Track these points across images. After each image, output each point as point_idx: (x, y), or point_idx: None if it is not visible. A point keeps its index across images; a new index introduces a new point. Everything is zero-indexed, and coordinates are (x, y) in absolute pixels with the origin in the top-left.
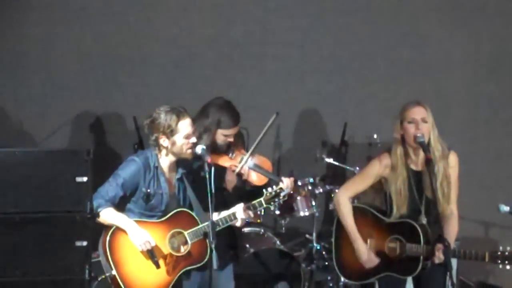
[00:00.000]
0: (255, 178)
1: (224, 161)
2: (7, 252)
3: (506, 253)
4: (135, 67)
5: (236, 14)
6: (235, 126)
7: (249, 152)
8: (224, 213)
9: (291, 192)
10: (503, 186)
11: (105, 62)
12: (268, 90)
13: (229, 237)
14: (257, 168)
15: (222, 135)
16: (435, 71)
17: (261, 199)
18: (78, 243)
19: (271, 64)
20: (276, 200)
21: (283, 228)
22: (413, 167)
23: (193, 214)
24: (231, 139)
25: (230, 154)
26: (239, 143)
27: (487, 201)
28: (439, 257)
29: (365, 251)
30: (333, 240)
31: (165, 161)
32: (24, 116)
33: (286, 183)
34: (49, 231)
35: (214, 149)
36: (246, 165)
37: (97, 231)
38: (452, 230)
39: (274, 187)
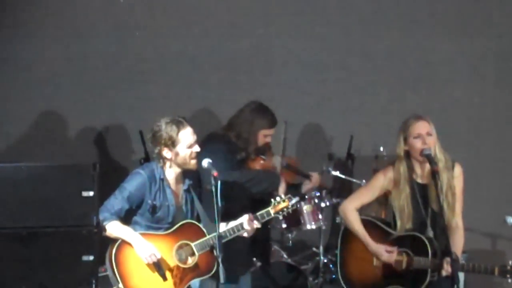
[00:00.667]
0: (287, 177)
1: (257, 164)
2: (14, 267)
3: None
4: (142, 80)
5: (240, 26)
6: (275, 126)
7: (282, 152)
8: (232, 224)
9: (317, 187)
10: (509, 198)
11: (111, 76)
12: (274, 103)
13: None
14: (289, 167)
15: (263, 136)
16: (441, 84)
17: (269, 208)
18: (84, 258)
19: (276, 77)
20: (284, 209)
21: (290, 242)
22: (418, 180)
23: (200, 225)
24: (269, 140)
25: (264, 157)
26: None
27: (494, 213)
28: (447, 270)
29: (382, 251)
30: (338, 253)
31: (171, 173)
32: (29, 131)
33: (315, 178)
34: (55, 246)
35: (257, 151)
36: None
37: (104, 246)
38: (458, 243)
39: (282, 196)
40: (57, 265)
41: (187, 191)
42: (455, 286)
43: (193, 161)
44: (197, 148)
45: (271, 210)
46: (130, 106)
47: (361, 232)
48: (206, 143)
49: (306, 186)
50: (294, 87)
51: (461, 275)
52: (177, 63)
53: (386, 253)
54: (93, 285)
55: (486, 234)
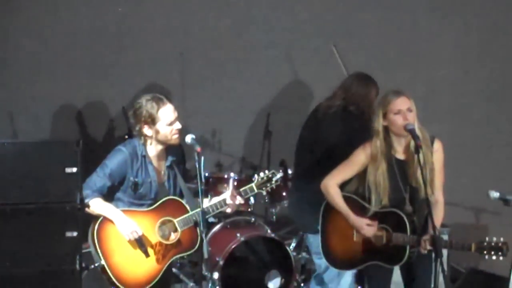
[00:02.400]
0: None
1: None
2: None
3: (493, 244)
4: (125, 57)
5: (226, 7)
6: None
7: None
8: (215, 200)
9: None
10: (492, 172)
11: (94, 52)
12: (261, 83)
13: None
14: None
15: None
16: (425, 60)
17: (253, 184)
18: (68, 234)
19: (265, 60)
20: (268, 185)
21: (274, 217)
22: (397, 156)
23: (183, 202)
24: None
25: None
26: None
27: (476, 187)
28: (424, 247)
29: (362, 223)
30: (319, 228)
31: (152, 149)
32: (11, 107)
33: None
34: (39, 222)
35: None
36: None
37: (88, 222)
38: (437, 217)
39: (266, 171)
40: (41, 241)
41: (169, 167)
42: (439, 261)
43: (175, 137)
44: (178, 125)
45: (255, 185)
46: (113, 82)
47: (342, 206)
48: (338, 120)
49: None
50: (282, 68)
51: (444, 250)
52: (161, 40)
53: (366, 226)
54: (77, 261)
55: (469, 208)
